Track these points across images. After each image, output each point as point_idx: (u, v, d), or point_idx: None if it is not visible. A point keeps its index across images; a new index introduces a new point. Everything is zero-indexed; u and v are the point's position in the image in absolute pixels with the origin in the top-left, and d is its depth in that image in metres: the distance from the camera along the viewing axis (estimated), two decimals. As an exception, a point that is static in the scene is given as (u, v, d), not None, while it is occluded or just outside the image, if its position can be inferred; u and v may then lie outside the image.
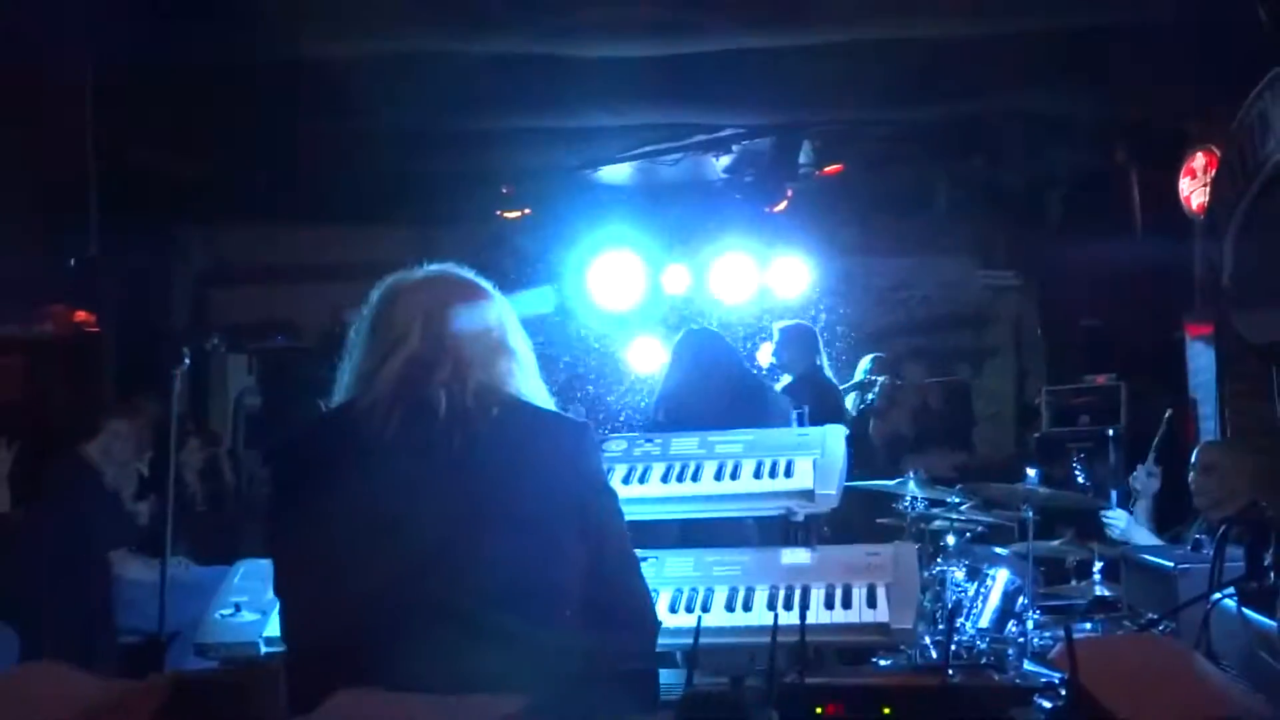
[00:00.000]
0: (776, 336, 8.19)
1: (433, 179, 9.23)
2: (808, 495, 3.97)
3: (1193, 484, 5.77)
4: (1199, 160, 8.02)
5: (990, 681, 3.45)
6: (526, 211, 10.14)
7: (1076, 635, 2.15)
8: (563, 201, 9.84)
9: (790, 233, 9.59)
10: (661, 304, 9.45)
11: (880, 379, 8.90)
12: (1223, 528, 3.20)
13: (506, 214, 10.16)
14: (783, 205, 9.69)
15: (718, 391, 6.12)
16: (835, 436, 4.20)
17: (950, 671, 3.13)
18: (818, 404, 7.19)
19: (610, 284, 8.99)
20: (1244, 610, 2.85)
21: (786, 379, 7.94)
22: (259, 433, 10.44)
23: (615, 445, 4.33)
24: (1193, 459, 5.82)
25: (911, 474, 6.53)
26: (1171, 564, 4.66)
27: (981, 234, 10.99)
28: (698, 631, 2.50)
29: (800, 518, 4.00)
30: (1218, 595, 2.94)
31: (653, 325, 9.45)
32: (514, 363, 2.71)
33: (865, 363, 9.13)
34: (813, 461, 4.08)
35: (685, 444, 4.33)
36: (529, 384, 2.73)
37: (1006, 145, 9.04)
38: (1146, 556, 5.11)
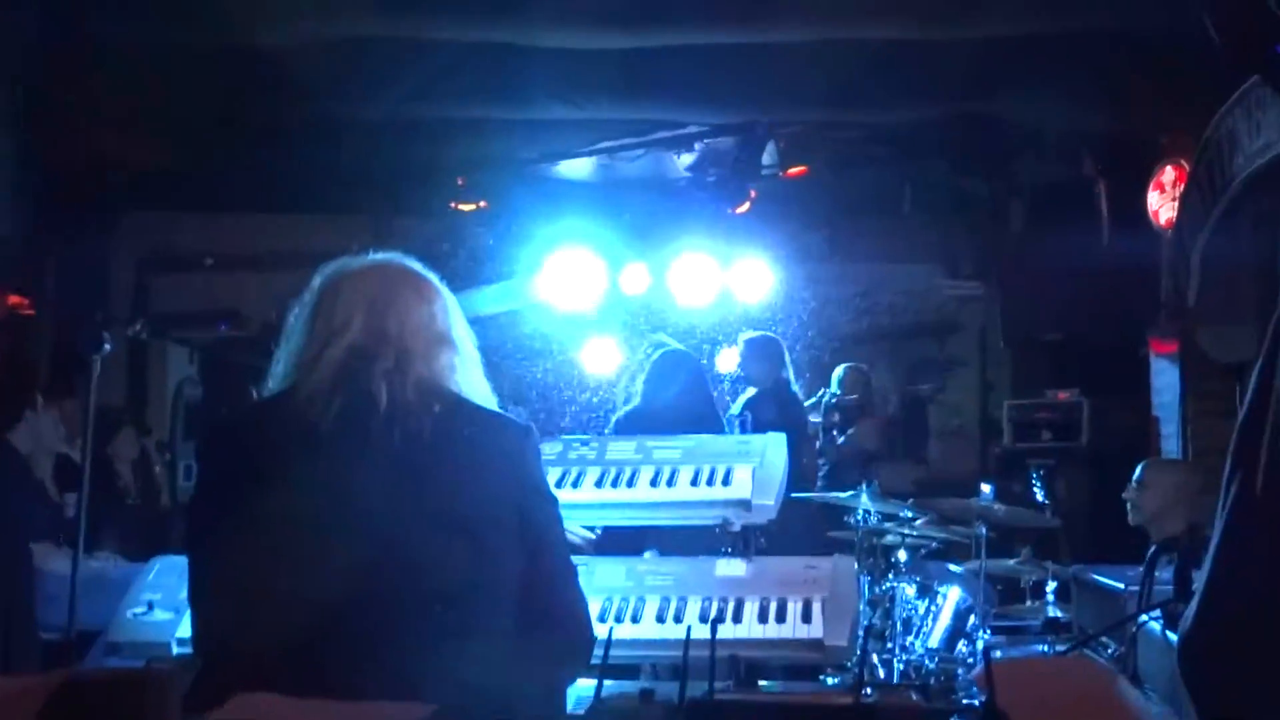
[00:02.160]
0: (742, 348, 8.18)
1: (384, 168, 9.21)
2: (744, 505, 3.96)
3: (1128, 499, 5.80)
4: (1168, 174, 8.08)
5: (907, 702, 3.47)
6: (481, 204, 10.11)
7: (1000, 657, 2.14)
8: (519, 195, 9.83)
9: (753, 235, 9.60)
10: (619, 304, 9.46)
11: (849, 398, 8.87)
12: (1152, 549, 3.22)
13: (460, 206, 10.13)
14: (746, 206, 9.67)
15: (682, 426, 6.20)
16: (776, 446, 4.19)
17: (867, 690, 3.12)
18: (781, 418, 7.27)
19: (566, 282, 8.99)
20: (1169, 633, 2.86)
21: (751, 392, 7.95)
22: (199, 424, 10.40)
23: (550, 448, 4.31)
24: (1135, 474, 5.85)
25: (865, 486, 6.54)
26: (1122, 585, 4.68)
27: (947, 241, 11.04)
28: (608, 643, 2.48)
29: (737, 528, 4.00)
30: (1144, 618, 2.95)
31: (608, 326, 9.46)
32: (457, 358, 2.70)
33: (839, 373, 9.10)
34: (751, 470, 4.07)
35: (622, 448, 4.33)
36: (472, 381, 2.71)
37: (972, 150, 9.07)
38: (1096, 577, 5.14)
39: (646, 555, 5.31)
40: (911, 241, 10.96)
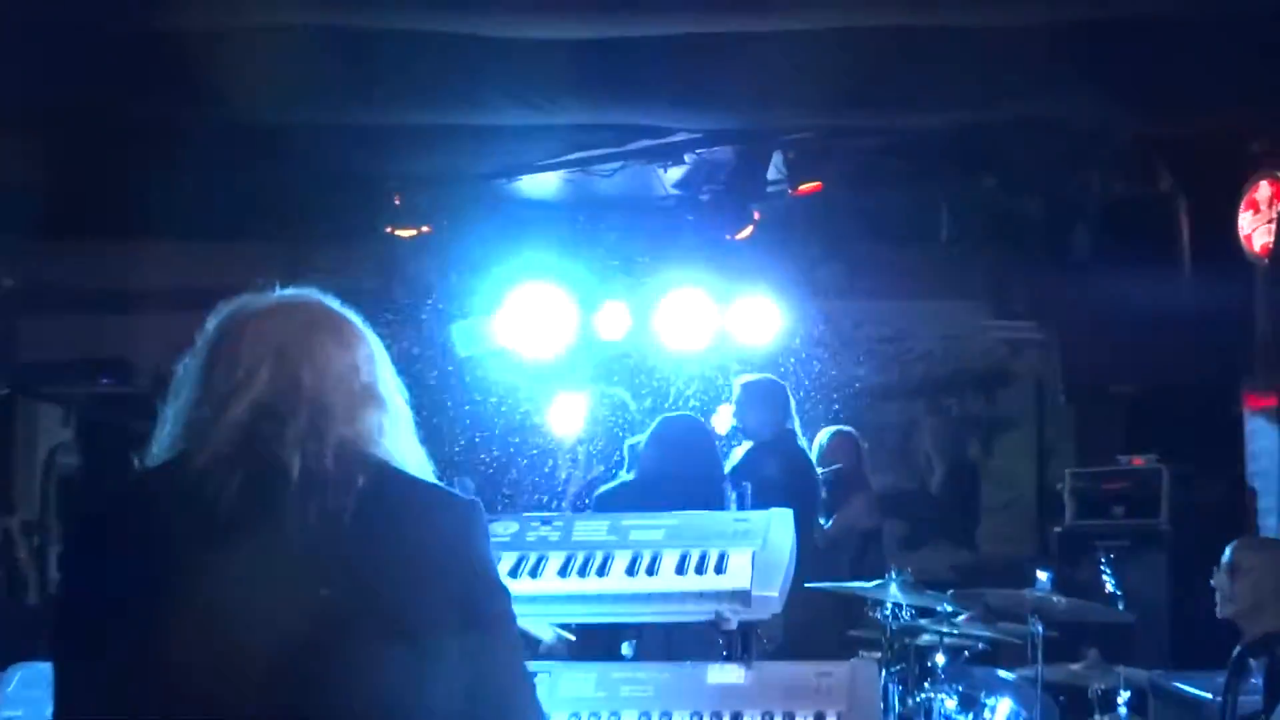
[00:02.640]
0: (737, 393, 8.25)
1: (305, 184, 9.21)
2: (743, 597, 3.92)
3: (1216, 586, 5.77)
4: (1263, 190, 8.07)
5: None
6: (424, 230, 10.11)
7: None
8: (471, 218, 9.86)
9: (757, 266, 9.69)
10: (593, 351, 9.50)
11: (832, 468, 8.89)
12: (1239, 648, 3.18)
13: (398, 231, 10.12)
14: (748, 231, 9.73)
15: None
16: (782, 524, 4.16)
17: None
18: (788, 476, 7.31)
19: (529, 325, 9.05)
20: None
21: (747, 446, 7.96)
22: (76, 501, 10.32)
23: (503, 527, 4.28)
24: (1225, 556, 5.82)
25: (894, 575, 6.52)
26: (1210, 695, 4.65)
27: (994, 274, 11.05)
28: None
29: (733, 625, 3.94)
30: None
31: (580, 379, 9.45)
32: (386, 417, 2.69)
33: (822, 438, 9.09)
34: (751, 554, 4.03)
35: (592, 528, 4.30)
36: (404, 446, 2.70)
37: (1024, 163, 9.10)
38: (1179, 685, 5.10)
39: (625, 648, 5.30)
40: (951, 274, 10.98)
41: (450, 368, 8.91)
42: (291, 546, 2.48)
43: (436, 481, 2.72)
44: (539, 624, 5.40)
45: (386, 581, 2.50)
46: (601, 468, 8.06)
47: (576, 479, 8.73)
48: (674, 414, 7.40)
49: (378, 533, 2.53)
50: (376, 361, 2.74)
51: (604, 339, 9.41)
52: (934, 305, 11.52)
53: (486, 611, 2.61)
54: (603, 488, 7.22)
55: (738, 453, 7.96)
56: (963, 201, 10.17)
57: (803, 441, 8.20)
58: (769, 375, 8.47)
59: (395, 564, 2.53)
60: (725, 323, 9.38)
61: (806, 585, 6.81)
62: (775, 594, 3.96)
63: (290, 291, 2.77)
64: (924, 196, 10.17)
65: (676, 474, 6.75)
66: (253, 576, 2.46)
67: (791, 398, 8.23)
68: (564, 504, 8.16)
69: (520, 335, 9.08)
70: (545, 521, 4.38)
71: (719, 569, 4.03)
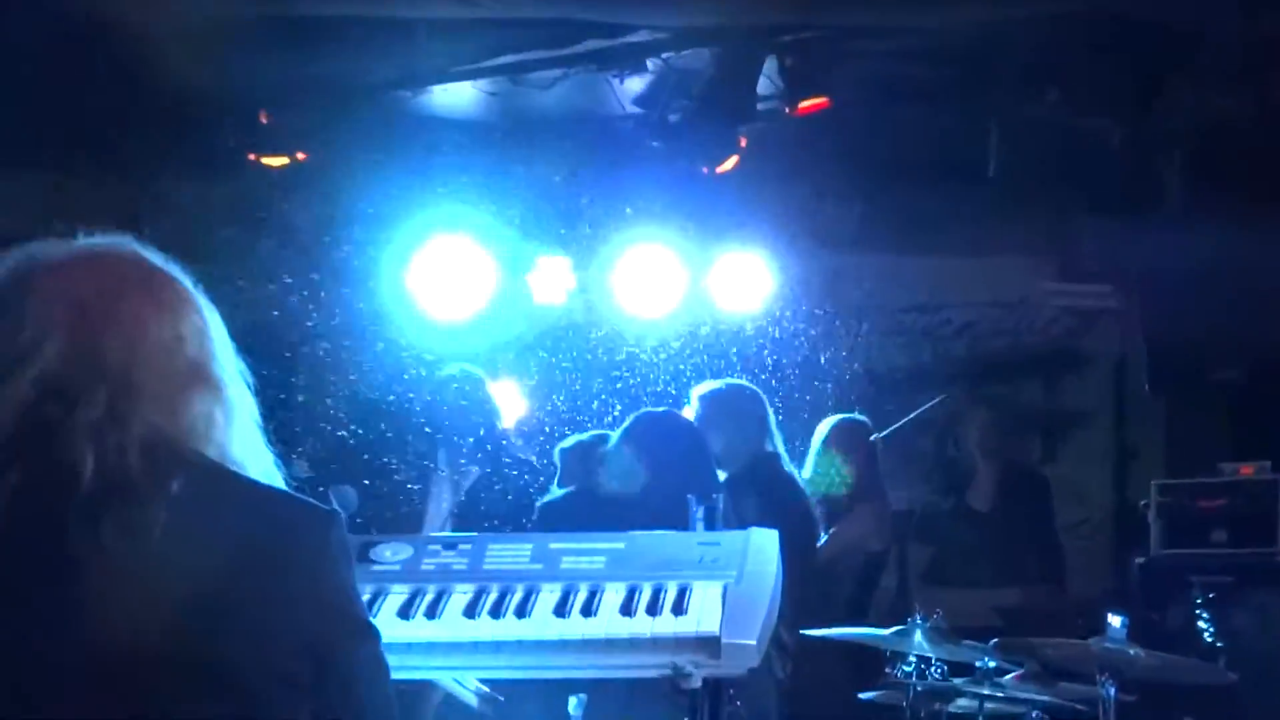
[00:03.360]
0: (696, 409, 8.19)
1: (135, 96, 9.15)
2: (710, 645, 3.94)
3: None
4: None
5: None
6: (299, 157, 10.07)
7: None
8: (364, 143, 9.82)
9: (743, 208, 9.72)
10: (524, 319, 9.48)
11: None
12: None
13: (264, 159, 10.09)
14: (731, 163, 9.70)
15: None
16: (764, 548, 4.20)
17: None
18: (771, 518, 7.25)
19: (442, 285, 9.15)
20: None
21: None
22: None
23: (389, 552, 4.33)
24: None
25: (919, 619, 6.55)
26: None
27: (1057, 221, 11.04)
28: None
29: (697, 683, 3.95)
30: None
31: (508, 353, 9.45)
32: (218, 405, 2.71)
33: (823, 430, 9.12)
34: (723, 589, 4.07)
35: (510, 554, 4.33)
36: (242, 443, 2.73)
37: (1097, 74, 9.10)
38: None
39: (572, 704, 5.34)
40: (1001, 221, 10.95)
41: (326, 344, 8.86)
42: (82, 571, 2.47)
43: (286, 488, 2.75)
44: (458, 680, 5.45)
45: (210, 622, 2.50)
46: (474, 478, 8.05)
47: (440, 488, 8.69)
48: (656, 410, 7.38)
49: (199, 555, 2.52)
50: (210, 334, 2.76)
51: (539, 303, 9.38)
52: (978, 263, 11.51)
53: (348, 659, 2.63)
54: (546, 497, 7.20)
55: None
56: (1017, 124, 10.11)
57: (790, 467, 8.21)
58: (738, 381, 8.53)
59: (222, 597, 2.52)
60: (702, 284, 9.48)
61: (803, 633, 6.89)
62: (753, 642, 3.96)
63: (98, 239, 2.78)
64: (965, 118, 10.12)
65: (657, 487, 6.68)
66: (27, 607, 2.46)
67: (770, 410, 8.20)
68: (429, 522, 8.15)
69: (429, 297, 9.08)
70: (448, 544, 4.40)
71: (678, 608, 4.04)
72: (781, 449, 8.18)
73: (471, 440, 8.46)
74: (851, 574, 8.62)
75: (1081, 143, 10.22)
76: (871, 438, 9.18)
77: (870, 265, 11.16)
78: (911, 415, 9.94)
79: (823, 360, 9.92)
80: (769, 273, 9.44)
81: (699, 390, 8.31)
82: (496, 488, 8.27)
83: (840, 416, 9.23)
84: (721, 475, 7.81)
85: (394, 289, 9.21)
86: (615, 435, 7.13)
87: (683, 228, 9.39)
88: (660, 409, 7.66)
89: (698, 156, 9.78)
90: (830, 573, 8.50)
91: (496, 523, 7.72)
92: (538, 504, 7.18)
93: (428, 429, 8.52)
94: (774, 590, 4.12)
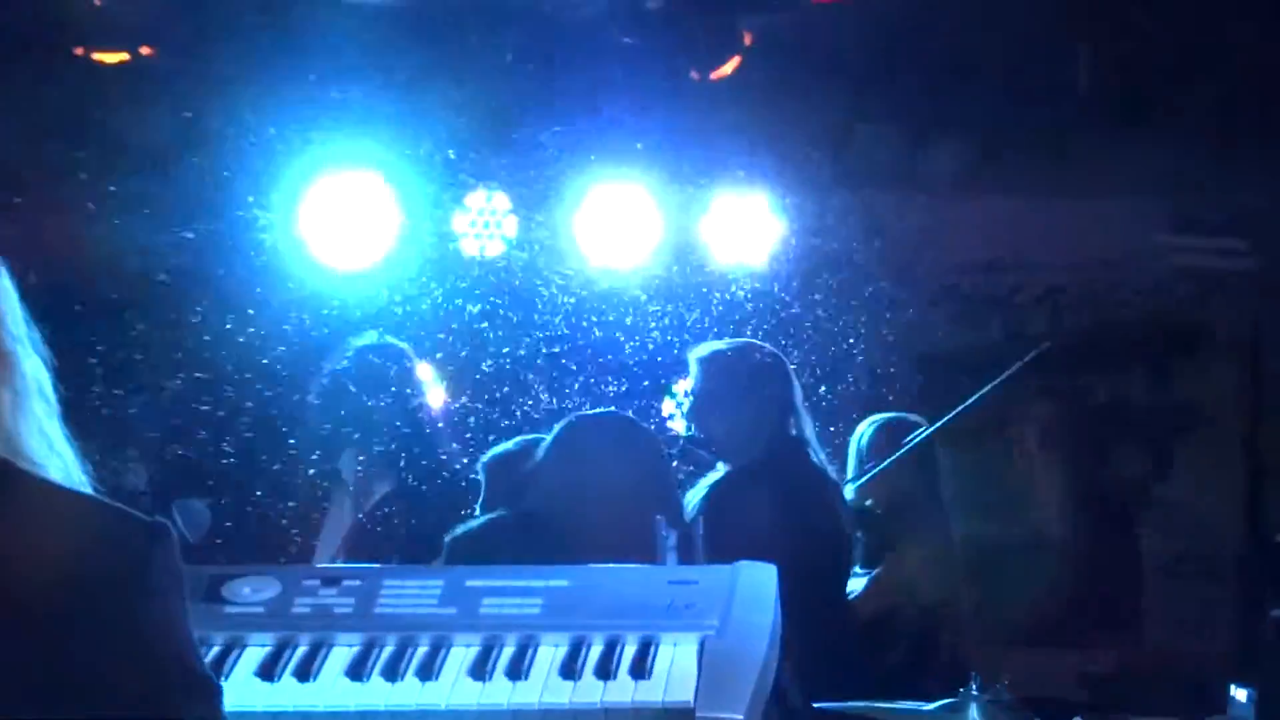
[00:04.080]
0: (695, 376, 8.18)
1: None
2: (683, 717, 3.97)
3: None
4: None
5: None
6: (145, 51, 10.08)
7: None
8: (229, 36, 9.78)
9: (747, 129, 9.70)
10: (444, 275, 9.54)
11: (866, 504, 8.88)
12: None
13: (97, 55, 10.09)
14: (730, 67, 9.72)
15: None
16: (756, 587, 4.26)
17: None
18: (799, 531, 7.24)
19: (341, 226, 9.19)
20: None
21: (716, 475, 7.92)
22: None
23: (250, 589, 4.36)
24: None
25: (976, 686, 6.54)
26: None
27: (1170, 155, 11.04)
28: None
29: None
30: None
31: (419, 321, 9.45)
32: (6, 390, 2.76)
33: (863, 433, 9.09)
34: (699, 643, 4.13)
35: (413, 594, 4.38)
36: (34, 432, 2.77)
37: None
38: None
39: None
40: (1094, 153, 10.97)
41: (178, 303, 8.86)
42: None
43: (96, 494, 2.77)
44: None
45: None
46: (387, 488, 8.01)
47: (340, 503, 8.64)
48: (593, 413, 7.34)
49: None
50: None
51: (468, 255, 9.40)
52: (1064, 208, 11.50)
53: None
54: (462, 527, 7.13)
55: (698, 487, 7.88)
56: (1114, 26, 10.15)
57: (822, 459, 8.15)
58: (752, 341, 8.46)
59: (11, 639, 2.54)
60: (692, 230, 9.53)
61: (817, 706, 6.87)
62: (739, 717, 3.99)
63: None
64: (1044, 14, 10.15)
65: (596, 512, 6.68)
66: None
67: (795, 380, 8.13)
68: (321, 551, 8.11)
69: (325, 242, 9.14)
70: (330, 580, 4.48)
71: (640, 670, 4.11)
72: (810, 433, 8.09)
73: (388, 436, 8.41)
74: (902, 633, 8.58)
75: (1197, 56, 10.23)
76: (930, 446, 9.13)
77: (917, 209, 11.12)
78: (950, 414, 9.83)
79: (850, 339, 9.88)
80: (777, 218, 9.39)
81: (698, 352, 8.23)
82: (417, 504, 8.22)
83: (887, 416, 9.20)
84: (722, 468, 7.92)
85: (274, 231, 9.18)
86: (545, 443, 7.10)
87: (664, 155, 9.34)
88: (600, 410, 7.65)
89: (686, 58, 9.78)
90: (873, 633, 8.48)
91: (402, 555, 7.70)
92: (446, 538, 7.01)
93: (326, 421, 8.47)
94: (769, 646, 4.17)
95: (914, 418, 9.20)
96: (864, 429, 9.06)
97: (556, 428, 7.16)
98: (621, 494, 6.66)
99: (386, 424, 8.31)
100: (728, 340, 8.47)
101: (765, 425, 7.96)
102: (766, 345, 8.36)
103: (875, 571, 8.62)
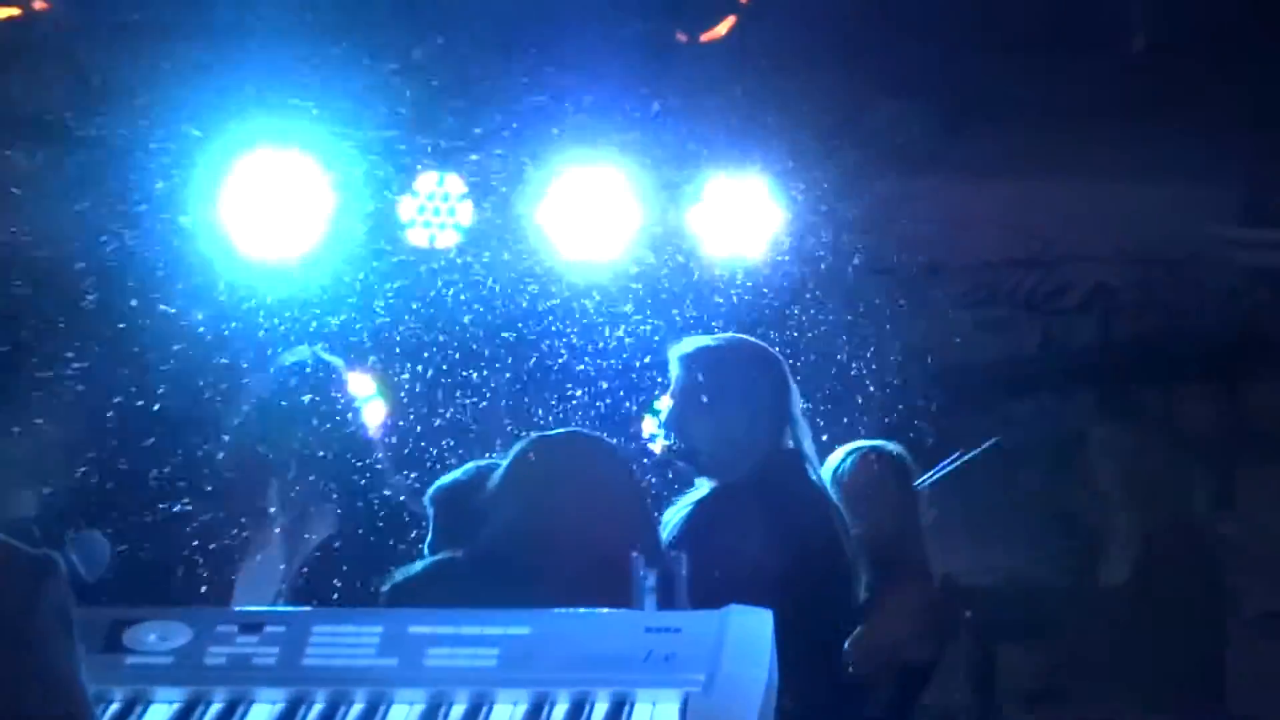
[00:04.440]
0: (676, 375, 8.16)
1: None
2: (655, 801, 4.01)
3: None
4: None
5: None
6: (38, 5, 10.07)
7: None
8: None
9: (741, 109, 9.69)
10: (387, 270, 9.56)
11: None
12: None
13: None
14: (725, 27, 9.70)
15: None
16: (749, 635, 4.24)
17: None
18: (793, 556, 7.22)
19: (267, 211, 9.23)
20: None
21: (703, 487, 7.89)
22: None
23: (156, 635, 4.36)
24: None
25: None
26: None
27: (1249, 134, 11.04)
28: None
29: None
30: None
31: (358, 326, 9.43)
32: None
33: (833, 465, 9.05)
34: (682, 701, 4.12)
35: (348, 642, 4.36)
36: None
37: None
38: None
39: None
40: (1153, 128, 10.97)
41: (71, 299, 8.84)
42: None
43: None
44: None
45: None
46: (327, 530, 7.98)
47: (265, 536, 8.62)
48: (552, 434, 7.37)
49: None
50: None
51: (414, 245, 9.41)
52: (1117, 193, 11.47)
53: None
54: (401, 573, 7.09)
55: (677, 506, 7.87)
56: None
57: (820, 476, 8.15)
58: (744, 336, 8.48)
59: None
60: (681, 221, 9.58)
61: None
62: None
63: None
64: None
65: (560, 549, 6.69)
66: None
67: (792, 383, 8.09)
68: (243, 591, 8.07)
69: (250, 231, 9.22)
70: (250, 625, 4.46)
71: None
72: (809, 447, 8.07)
73: (322, 462, 8.38)
74: (880, 693, 8.57)
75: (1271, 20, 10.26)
76: (915, 483, 9.10)
77: (943, 194, 11.13)
78: (961, 457, 9.76)
79: (860, 346, 9.87)
80: (777, 205, 9.38)
81: (680, 349, 8.22)
82: (362, 548, 8.19)
83: (862, 446, 9.18)
84: (705, 486, 7.89)
85: (190, 215, 9.16)
86: (500, 470, 7.09)
87: (645, 132, 9.33)
88: (562, 430, 7.58)
89: (672, 18, 9.77)
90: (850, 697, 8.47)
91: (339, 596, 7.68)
92: (384, 588, 6.99)
93: (254, 445, 8.44)
94: (763, 703, 4.16)
95: (893, 448, 9.16)
96: (836, 460, 9.02)
97: (512, 451, 7.10)
98: (589, 528, 6.63)
99: (318, 454, 8.30)
100: (715, 335, 8.48)
101: (757, 435, 7.94)
102: (759, 343, 8.33)
103: (856, 631, 8.58)
